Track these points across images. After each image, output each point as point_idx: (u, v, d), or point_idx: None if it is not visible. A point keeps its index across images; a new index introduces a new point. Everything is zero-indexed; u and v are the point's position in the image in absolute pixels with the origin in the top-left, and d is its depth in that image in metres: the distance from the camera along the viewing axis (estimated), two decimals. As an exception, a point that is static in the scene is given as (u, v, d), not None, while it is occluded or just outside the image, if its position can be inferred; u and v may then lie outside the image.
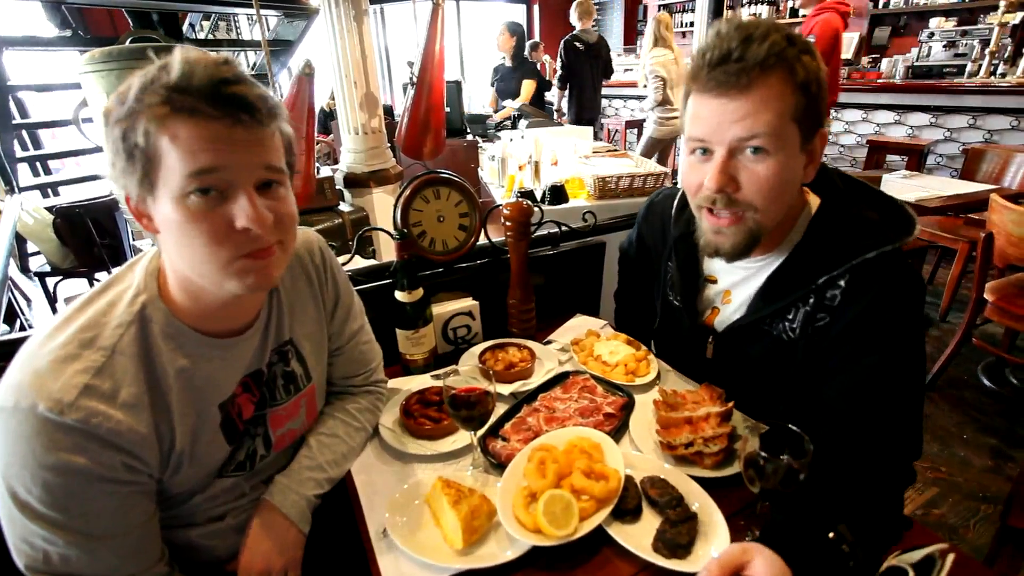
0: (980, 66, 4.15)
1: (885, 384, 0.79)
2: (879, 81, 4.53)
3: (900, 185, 2.83)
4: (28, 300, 3.08)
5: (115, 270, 0.73)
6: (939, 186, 2.79)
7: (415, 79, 2.41)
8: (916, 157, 3.59)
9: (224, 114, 0.59)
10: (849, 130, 4.43)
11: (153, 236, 0.67)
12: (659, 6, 7.72)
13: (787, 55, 0.74)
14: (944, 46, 4.70)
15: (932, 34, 4.80)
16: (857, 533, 0.67)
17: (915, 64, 4.76)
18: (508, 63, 4.71)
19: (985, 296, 2.13)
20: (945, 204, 2.60)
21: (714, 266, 1.01)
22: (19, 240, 3.16)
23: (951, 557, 0.66)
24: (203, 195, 0.60)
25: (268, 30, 4.22)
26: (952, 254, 2.76)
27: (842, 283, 0.83)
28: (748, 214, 0.82)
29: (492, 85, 4.99)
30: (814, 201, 0.90)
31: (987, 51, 4.09)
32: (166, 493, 0.73)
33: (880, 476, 0.78)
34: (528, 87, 4.60)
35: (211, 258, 0.63)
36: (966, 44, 4.57)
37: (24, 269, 3.37)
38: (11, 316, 2.51)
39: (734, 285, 0.98)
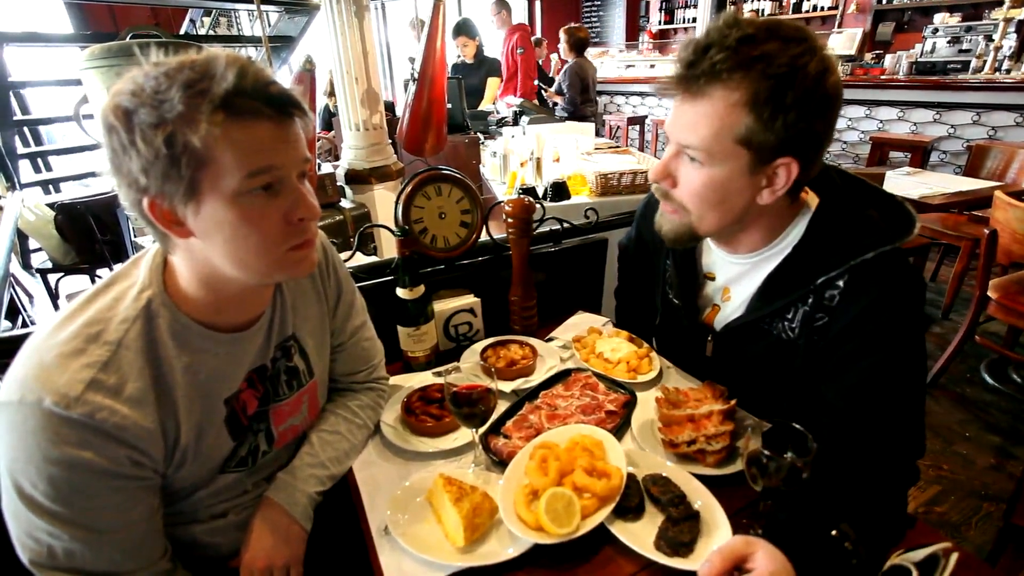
0: (985, 62, 4.12)
1: (885, 384, 0.79)
2: (882, 77, 4.51)
3: (903, 182, 2.82)
4: (30, 296, 3.08)
5: (118, 266, 0.74)
6: (942, 183, 2.78)
7: (416, 75, 2.41)
8: (919, 154, 3.58)
9: (277, 113, 0.61)
10: (852, 127, 4.42)
11: (180, 240, 0.65)
12: (661, 2, 7.69)
13: (741, 71, 0.71)
14: (948, 42, 4.68)
15: (936, 30, 4.77)
16: (860, 531, 0.67)
17: (919, 60, 4.74)
18: (468, 60, 4.51)
19: (988, 294, 2.12)
20: (948, 201, 2.58)
21: (711, 262, 1.01)
22: (21, 236, 3.16)
23: (955, 556, 0.66)
24: (264, 191, 0.62)
25: (269, 26, 4.21)
26: (955, 251, 2.75)
27: (841, 283, 0.82)
28: (682, 212, 0.85)
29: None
30: (813, 200, 0.89)
31: (992, 47, 4.06)
32: (169, 488, 0.74)
33: (883, 475, 0.77)
34: (493, 85, 4.48)
35: (267, 252, 0.65)
36: (971, 40, 4.54)
37: (26, 265, 3.37)
38: (13, 312, 2.52)
39: (732, 281, 0.98)
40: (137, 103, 0.57)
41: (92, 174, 4.24)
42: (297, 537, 0.83)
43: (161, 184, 0.59)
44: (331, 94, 4.52)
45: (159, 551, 0.72)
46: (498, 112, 4.14)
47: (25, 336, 0.67)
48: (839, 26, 5.80)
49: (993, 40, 4.09)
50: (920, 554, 0.67)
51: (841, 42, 5.52)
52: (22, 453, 0.60)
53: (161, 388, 0.68)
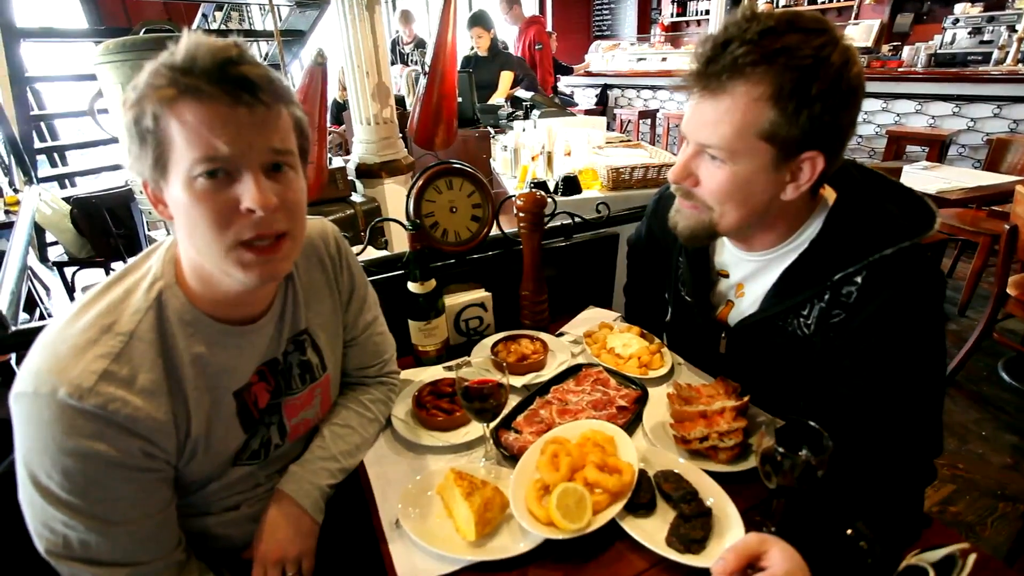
0: (1007, 53, 4.02)
1: (903, 381, 0.78)
2: (900, 70, 4.42)
3: (921, 176, 2.77)
4: (47, 289, 3.14)
5: (132, 258, 0.74)
6: (961, 177, 2.73)
7: (426, 68, 2.40)
8: (937, 147, 3.51)
9: (226, 93, 0.58)
10: (868, 120, 4.34)
11: (169, 223, 0.67)
12: (674, -7, 7.60)
13: (764, 65, 0.69)
14: (969, 33, 4.57)
15: (957, 20, 4.66)
16: (875, 530, 0.66)
17: (938, 52, 4.64)
18: (482, 53, 4.43)
19: (1007, 291, 2.08)
20: (967, 196, 2.53)
21: (725, 259, 1.00)
22: (38, 230, 3.21)
23: (972, 557, 0.65)
24: (210, 177, 0.60)
25: (280, 20, 4.22)
26: (973, 247, 2.70)
27: (859, 279, 0.81)
28: (705, 209, 0.83)
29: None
30: (830, 195, 0.88)
31: (1015, 37, 3.96)
32: (182, 481, 0.74)
33: (899, 474, 0.76)
34: (507, 79, 4.42)
35: (215, 241, 0.62)
36: (993, 30, 4.43)
37: (43, 259, 3.42)
38: (31, 305, 2.56)
39: (746, 278, 0.97)
40: (130, 89, 0.60)
41: (107, 168, 4.30)
42: (309, 529, 0.83)
43: (138, 163, 0.62)
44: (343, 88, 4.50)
45: (173, 542, 0.73)
46: (509, 107, 4.11)
47: (43, 328, 0.68)
48: (856, 17, 5.70)
49: (1017, 31, 3.98)
50: (937, 554, 0.66)
51: (857, 34, 5.41)
52: (37, 444, 0.61)
53: (172, 379, 0.68)
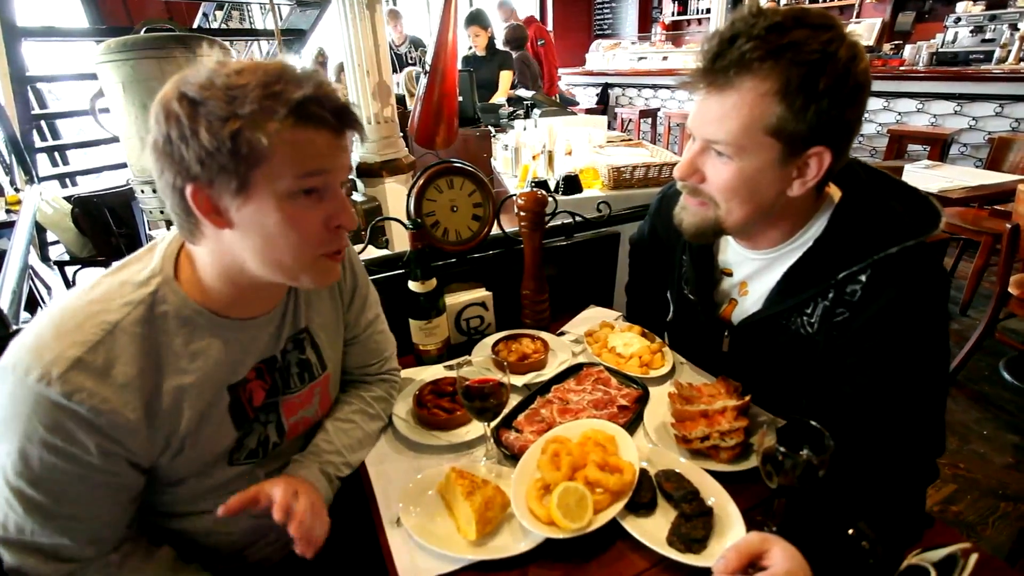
0: (1009, 52, 4.01)
1: (906, 380, 0.77)
2: (901, 69, 4.40)
3: (922, 175, 2.76)
4: (48, 288, 3.13)
5: (138, 250, 0.74)
6: (963, 176, 2.72)
7: (427, 67, 2.40)
8: (939, 146, 3.50)
9: (340, 124, 0.64)
10: (869, 119, 4.33)
11: (212, 230, 0.66)
12: (675, -8, 7.58)
13: (771, 60, 0.69)
14: (971, 31, 4.56)
15: (959, 19, 4.65)
16: (877, 530, 0.66)
17: (940, 50, 4.63)
18: (480, 52, 4.47)
19: (1009, 290, 2.08)
20: (969, 195, 2.53)
21: (728, 257, 1.00)
22: (39, 229, 3.21)
23: (974, 557, 0.64)
24: (309, 194, 0.65)
25: (281, 19, 4.21)
26: (975, 246, 2.69)
27: (863, 278, 0.81)
28: (711, 205, 0.83)
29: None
30: (835, 193, 0.88)
31: (1017, 36, 3.95)
32: (168, 479, 0.73)
33: (901, 473, 0.76)
34: (506, 78, 4.43)
35: (302, 255, 0.67)
36: (995, 29, 4.42)
37: (44, 258, 3.42)
38: (32, 304, 2.56)
39: (750, 277, 0.96)
40: (207, 95, 0.58)
41: (108, 167, 4.29)
42: (321, 503, 0.79)
43: (215, 175, 0.60)
44: (340, 70, 4.45)
45: (109, 546, 0.70)
46: (509, 106, 4.11)
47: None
48: (857, 16, 5.69)
49: (1019, 29, 3.98)
50: (939, 554, 0.66)
51: (859, 32, 5.41)
52: (3, 416, 0.61)
53: (158, 376, 0.67)
